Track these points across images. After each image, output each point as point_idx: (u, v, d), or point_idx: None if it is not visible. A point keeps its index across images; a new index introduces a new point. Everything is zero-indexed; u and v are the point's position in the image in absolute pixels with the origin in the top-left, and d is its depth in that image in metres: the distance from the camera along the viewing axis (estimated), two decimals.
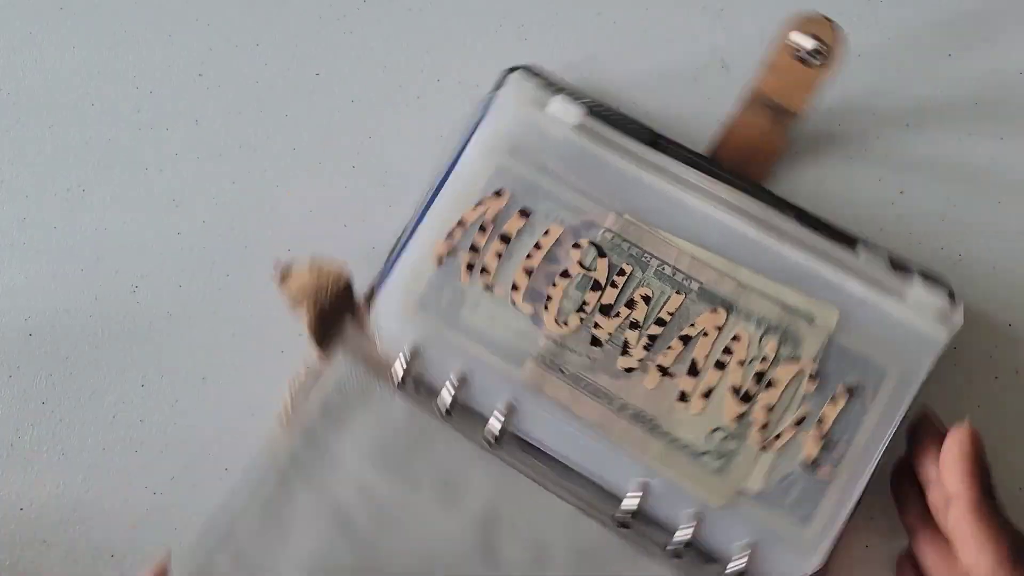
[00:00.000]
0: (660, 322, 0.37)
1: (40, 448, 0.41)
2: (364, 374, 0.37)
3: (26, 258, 0.44)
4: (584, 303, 0.37)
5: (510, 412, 0.37)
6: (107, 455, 0.41)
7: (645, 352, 0.37)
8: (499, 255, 0.38)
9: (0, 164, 0.45)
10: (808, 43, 0.38)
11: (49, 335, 0.43)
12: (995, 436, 0.35)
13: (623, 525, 0.36)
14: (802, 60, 0.38)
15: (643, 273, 0.37)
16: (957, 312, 0.36)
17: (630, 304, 0.37)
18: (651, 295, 0.37)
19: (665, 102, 0.45)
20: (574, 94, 0.40)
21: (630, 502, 0.36)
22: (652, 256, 0.37)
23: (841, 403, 0.36)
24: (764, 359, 0.36)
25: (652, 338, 0.37)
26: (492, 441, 0.37)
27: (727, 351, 0.36)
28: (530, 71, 0.41)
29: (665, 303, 0.37)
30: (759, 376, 0.36)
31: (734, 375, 0.36)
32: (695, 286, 0.37)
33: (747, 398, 0.36)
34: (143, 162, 0.45)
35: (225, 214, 0.44)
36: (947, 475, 0.34)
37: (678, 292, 0.37)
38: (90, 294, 0.43)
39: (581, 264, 0.37)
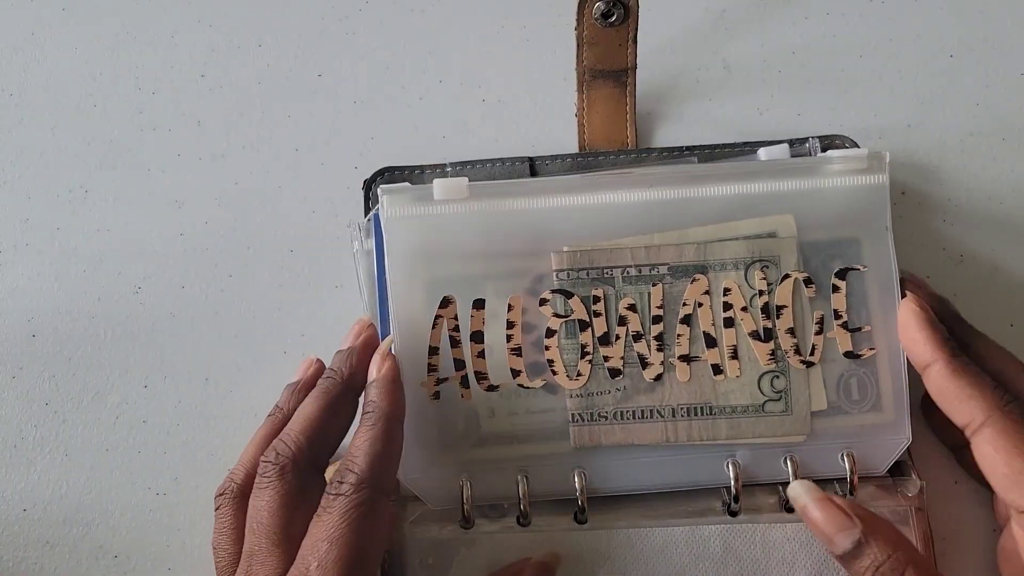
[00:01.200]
0: (656, 319, 0.37)
1: (43, 449, 0.41)
2: (436, 544, 0.37)
3: (29, 259, 0.44)
4: (583, 346, 0.37)
5: (583, 481, 0.36)
6: (110, 456, 0.41)
7: (661, 354, 0.37)
8: (481, 355, 0.37)
9: (2, 165, 0.45)
10: (599, 8, 0.40)
11: (52, 336, 0.43)
12: None
13: (733, 513, 0.37)
14: (606, 24, 0.40)
15: (614, 288, 0.37)
16: (877, 154, 0.37)
17: (622, 321, 0.37)
18: (634, 301, 0.37)
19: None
20: (439, 170, 0.41)
21: (730, 486, 0.37)
22: (612, 268, 0.37)
23: (842, 288, 0.37)
24: (761, 292, 0.37)
25: (659, 337, 0.37)
26: (583, 518, 0.37)
27: (728, 307, 0.37)
28: (388, 172, 0.42)
29: (650, 300, 0.37)
30: (766, 311, 0.37)
31: (747, 323, 0.37)
32: (664, 270, 0.37)
33: (769, 335, 0.37)
34: (145, 163, 0.45)
35: (227, 215, 0.44)
36: (912, 349, 0.36)
37: (654, 284, 0.37)
38: (93, 295, 0.43)
39: (557, 315, 0.37)
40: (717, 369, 0.37)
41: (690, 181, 0.37)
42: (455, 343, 0.36)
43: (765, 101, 0.45)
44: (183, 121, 0.45)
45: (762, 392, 0.37)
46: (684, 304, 0.37)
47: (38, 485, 0.41)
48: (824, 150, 0.41)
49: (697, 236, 0.37)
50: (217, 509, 0.35)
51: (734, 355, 0.37)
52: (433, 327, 0.36)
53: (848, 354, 0.37)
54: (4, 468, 0.41)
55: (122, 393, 0.42)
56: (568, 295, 0.37)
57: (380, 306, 0.38)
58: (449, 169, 0.42)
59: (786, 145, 0.41)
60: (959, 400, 0.34)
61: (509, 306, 0.37)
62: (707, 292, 0.37)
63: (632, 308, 0.37)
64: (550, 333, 0.37)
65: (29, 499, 0.41)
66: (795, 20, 0.46)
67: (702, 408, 0.37)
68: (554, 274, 0.37)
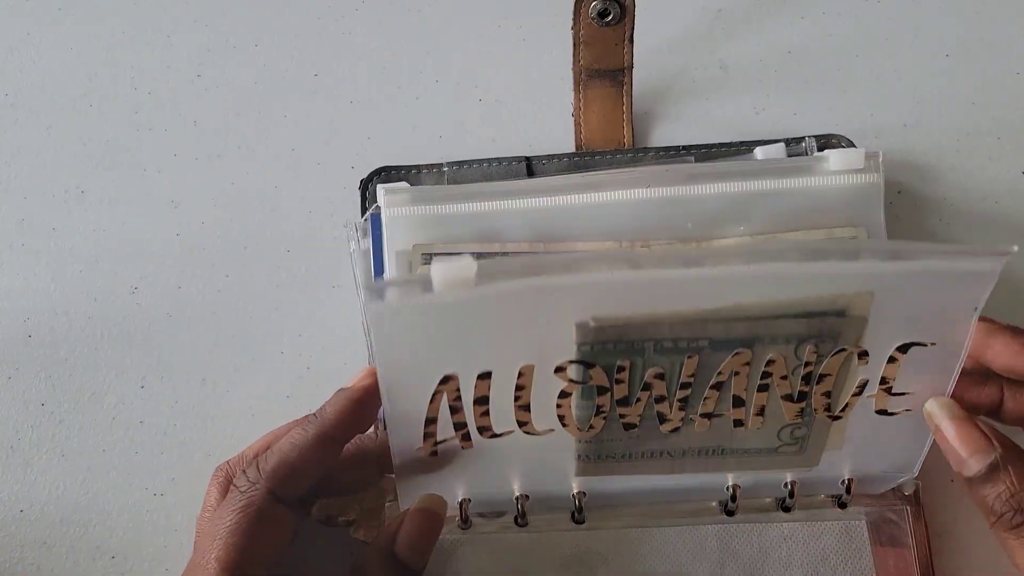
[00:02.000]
0: (685, 385, 0.32)
1: (40, 450, 0.41)
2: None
3: (25, 259, 0.43)
4: (599, 407, 0.33)
5: (581, 494, 0.35)
6: (107, 456, 0.41)
7: (683, 412, 0.33)
8: (486, 414, 0.32)
9: None
10: (596, 7, 0.40)
11: (48, 336, 0.42)
12: None
13: (730, 513, 0.36)
14: (603, 23, 0.41)
15: (643, 358, 0.31)
16: (1000, 252, 0.30)
17: (646, 387, 0.32)
18: (663, 371, 0.32)
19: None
20: (436, 169, 0.41)
21: (727, 501, 0.36)
22: (644, 340, 0.31)
23: (900, 361, 0.32)
24: (807, 363, 0.32)
25: (684, 400, 0.33)
26: (580, 518, 0.36)
27: (766, 374, 0.32)
28: (385, 172, 0.40)
29: (681, 370, 0.32)
30: (807, 377, 0.32)
31: (782, 388, 0.33)
32: (704, 343, 0.31)
33: (802, 397, 0.33)
34: (142, 163, 0.45)
35: (224, 215, 0.44)
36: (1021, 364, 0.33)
37: (690, 356, 0.31)
38: (89, 295, 0.43)
39: (574, 381, 0.32)
40: (738, 423, 0.34)
41: (751, 257, 0.30)
42: (455, 410, 0.32)
43: (762, 101, 0.45)
44: (179, 121, 0.45)
45: (779, 439, 0.34)
46: (719, 373, 0.32)
47: (35, 486, 0.41)
48: (821, 149, 0.41)
49: (752, 311, 0.30)
50: (209, 485, 0.36)
51: (760, 412, 0.33)
52: (431, 400, 0.32)
53: (881, 411, 0.34)
54: (1, 469, 0.41)
55: (119, 394, 0.42)
56: (589, 365, 0.31)
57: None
58: (446, 169, 0.42)
59: (782, 144, 0.41)
60: None
61: (520, 373, 0.32)
62: (747, 364, 0.32)
63: (660, 376, 0.32)
64: (564, 395, 0.32)
65: (26, 500, 0.41)
66: (792, 20, 0.46)
67: (714, 450, 0.35)
68: (575, 346, 0.31)
